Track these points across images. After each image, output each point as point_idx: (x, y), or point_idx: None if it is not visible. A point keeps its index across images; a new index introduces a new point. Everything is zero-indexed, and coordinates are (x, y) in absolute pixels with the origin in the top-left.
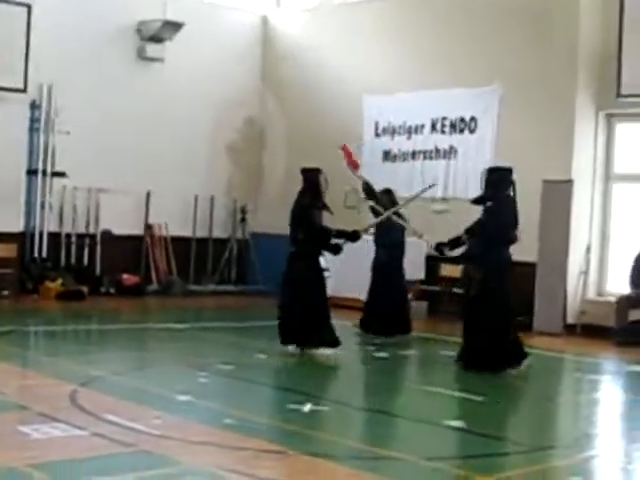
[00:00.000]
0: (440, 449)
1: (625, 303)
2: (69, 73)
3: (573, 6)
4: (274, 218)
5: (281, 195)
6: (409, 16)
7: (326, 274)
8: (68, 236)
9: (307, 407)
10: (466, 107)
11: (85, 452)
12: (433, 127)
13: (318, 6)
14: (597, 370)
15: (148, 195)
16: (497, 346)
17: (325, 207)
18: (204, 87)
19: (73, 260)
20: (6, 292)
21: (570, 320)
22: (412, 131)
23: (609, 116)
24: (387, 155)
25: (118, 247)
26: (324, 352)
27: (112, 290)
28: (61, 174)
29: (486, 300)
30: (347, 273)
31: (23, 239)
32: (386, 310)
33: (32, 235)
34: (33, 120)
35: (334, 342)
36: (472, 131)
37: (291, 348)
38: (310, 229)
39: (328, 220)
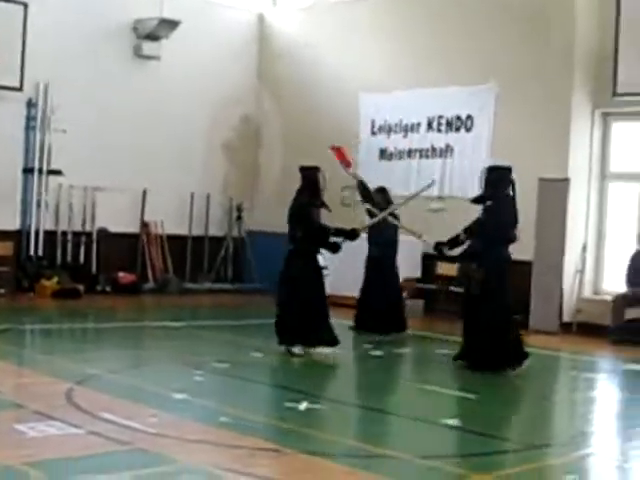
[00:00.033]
0: (436, 447)
1: (621, 301)
2: (65, 71)
3: (569, 4)
4: (270, 216)
5: (277, 193)
6: (404, 13)
7: (325, 272)
8: (64, 234)
9: (303, 405)
10: (462, 105)
11: (81, 450)
12: (429, 125)
13: (314, 4)
14: (593, 368)
15: (144, 193)
16: (497, 346)
17: (323, 205)
18: (200, 85)
19: (69, 258)
20: (2, 290)
21: (566, 318)
22: (408, 129)
23: (605, 115)
24: (383, 153)
25: (114, 245)
26: (322, 351)
27: (108, 288)
28: (57, 172)
29: (486, 299)
30: (342, 271)
31: (19, 237)
32: (380, 306)
33: (28, 233)
34: (29, 118)
35: (333, 341)
36: (468, 129)
37: (297, 350)
38: (309, 227)
39: (325, 218)
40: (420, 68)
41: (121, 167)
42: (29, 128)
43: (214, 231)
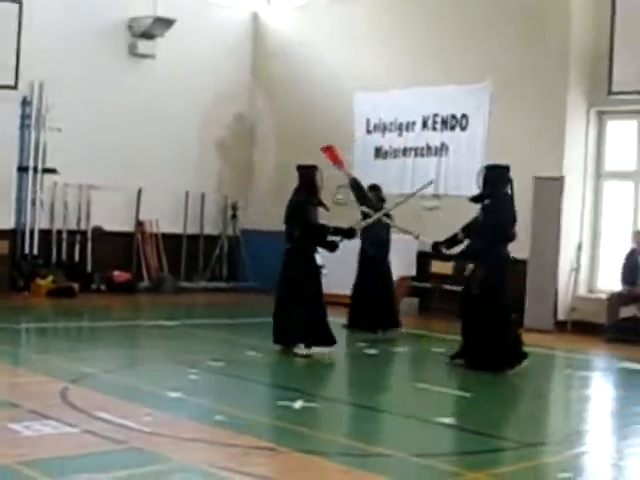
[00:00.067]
0: (431, 446)
1: (616, 300)
2: (60, 70)
3: (565, 3)
4: (265, 215)
5: (272, 192)
6: (400, 12)
7: (323, 271)
8: (59, 233)
9: (298, 404)
10: (457, 104)
11: (76, 449)
12: (424, 124)
13: (308, 2)
14: (588, 367)
15: (139, 192)
16: (496, 346)
17: (321, 204)
18: (195, 84)
19: (64, 257)
20: None
21: (561, 317)
22: (403, 128)
23: (600, 113)
24: (378, 152)
25: (109, 244)
26: (320, 350)
27: (103, 287)
28: (52, 171)
29: (486, 299)
30: (334, 269)
31: (14, 236)
32: (372, 300)
33: (23, 232)
34: (24, 117)
35: (330, 341)
36: (463, 128)
37: (300, 350)
38: (306, 226)
39: (321, 217)
40: (415, 67)
41: (116, 166)
42: (24, 126)
43: (209, 230)
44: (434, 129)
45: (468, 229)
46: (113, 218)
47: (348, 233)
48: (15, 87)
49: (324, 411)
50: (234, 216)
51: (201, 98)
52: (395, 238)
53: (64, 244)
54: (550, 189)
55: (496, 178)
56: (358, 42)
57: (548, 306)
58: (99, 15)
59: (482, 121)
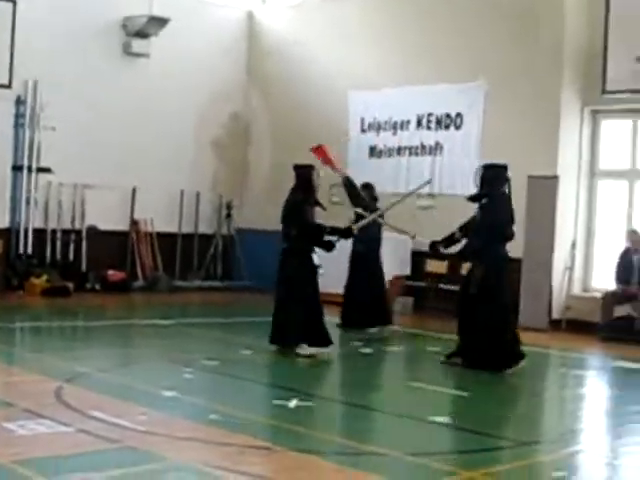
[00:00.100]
0: (425, 444)
1: (610, 299)
2: (54, 69)
3: (558, 2)
4: (259, 214)
5: (266, 191)
6: (394, 11)
7: (320, 271)
8: (53, 232)
9: (293, 403)
10: (451, 103)
11: (70, 448)
12: (419, 123)
13: (303, 2)
14: (582, 365)
15: (134, 191)
16: (494, 345)
17: (317, 203)
18: (189, 82)
19: (58, 256)
20: None
21: (555, 316)
22: (398, 127)
23: (594, 112)
24: (373, 151)
25: (104, 243)
26: (318, 350)
27: (98, 286)
28: (46, 170)
29: (484, 298)
30: (326, 268)
31: (8, 235)
32: (364, 298)
33: (17, 231)
34: (18, 116)
35: (326, 341)
36: (458, 127)
37: (302, 351)
38: (303, 225)
39: (318, 216)
40: (409, 66)
41: (110, 165)
42: (18, 125)
43: (204, 229)
44: (428, 128)
45: (466, 228)
46: (108, 217)
47: (345, 233)
48: (9, 86)
49: (319, 410)
50: (229, 215)
51: (196, 97)
52: (389, 237)
53: (58, 243)
54: (544, 188)
55: (494, 177)
56: (350, 41)
57: (542, 305)
58: (93, 14)
59: (476, 120)
